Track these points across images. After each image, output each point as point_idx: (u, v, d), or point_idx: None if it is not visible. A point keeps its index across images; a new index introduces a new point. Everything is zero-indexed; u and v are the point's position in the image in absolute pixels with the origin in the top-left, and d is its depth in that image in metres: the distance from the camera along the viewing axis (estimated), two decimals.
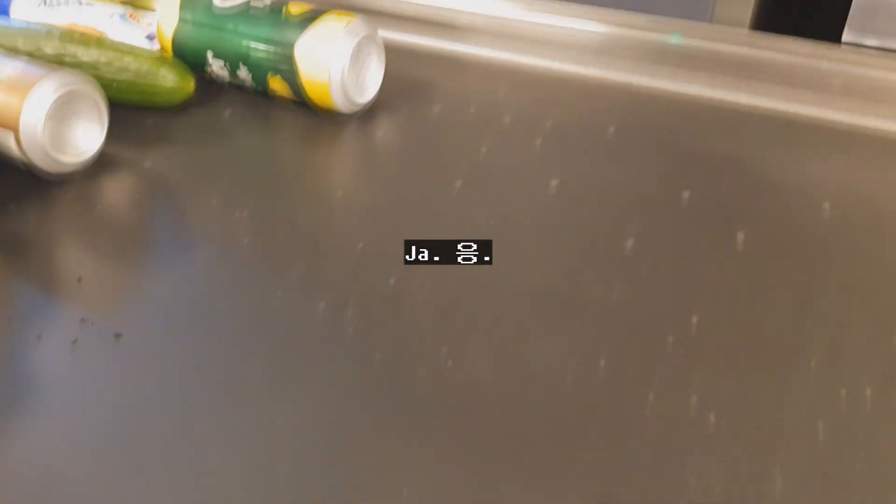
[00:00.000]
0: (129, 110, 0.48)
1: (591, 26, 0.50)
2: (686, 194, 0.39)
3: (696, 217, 0.38)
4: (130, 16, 0.54)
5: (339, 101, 0.45)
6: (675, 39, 0.47)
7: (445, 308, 0.33)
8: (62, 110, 0.41)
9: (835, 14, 0.45)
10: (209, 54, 0.47)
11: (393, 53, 0.49)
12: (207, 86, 0.50)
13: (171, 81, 0.47)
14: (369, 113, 0.47)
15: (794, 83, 0.45)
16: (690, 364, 0.30)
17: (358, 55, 0.44)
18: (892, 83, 0.44)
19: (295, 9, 0.45)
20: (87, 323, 0.34)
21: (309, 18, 0.44)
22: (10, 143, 0.40)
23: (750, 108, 0.46)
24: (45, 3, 0.55)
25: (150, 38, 0.53)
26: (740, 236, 0.36)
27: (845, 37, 0.45)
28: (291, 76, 0.45)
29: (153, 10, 0.56)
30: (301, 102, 0.46)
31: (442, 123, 0.46)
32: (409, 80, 0.50)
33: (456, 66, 0.52)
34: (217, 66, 0.47)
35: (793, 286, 0.34)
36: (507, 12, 0.53)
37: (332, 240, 0.38)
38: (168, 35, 0.48)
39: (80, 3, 0.55)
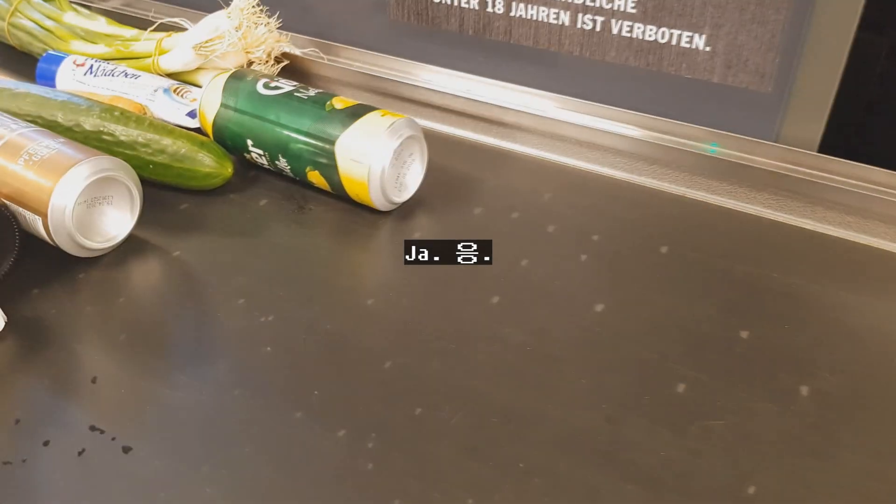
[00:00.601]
0: (165, 191, 0.49)
1: (646, 135, 0.50)
2: (745, 334, 0.38)
3: (754, 362, 0.36)
4: (175, 90, 0.56)
5: (377, 200, 0.45)
6: (712, 150, 0.46)
7: (474, 448, 0.32)
8: (93, 196, 0.42)
9: None
10: (249, 142, 0.48)
11: (439, 145, 0.49)
12: (246, 169, 0.51)
13: (209, 166, 0.47)
14: (409, 209, 0.47)
15: (865, 214, 0.44)
16: None
17: (399, 155, 0.44)
18: None
19: (340, 103, 0.46)
20: (96, 432, 0.34)
21: (353, 114, 0.45)
22: (39, 226, 0.41)
23: (816, 236, 0.44)
24: (90, 72, 0.58)
25: (192, 115, 0.54)
26: (804, 390, 0.35)
27: None
28: (330, 171, 0.45)
29: (199, 86, 0.58)
30: (340, 196, 0.46)
31: (483, 228, 0.46)
32: (453, 175, 0.50)
33: (502, 164, 0.52)
34: (256, 154, 0.48)
35: (863, 459, 0.32)
36: (559, 114, 0.53)
37: (358, 356, 0.37)
38: (210, 118, 0.49)
39: (126, 75, 0.57)
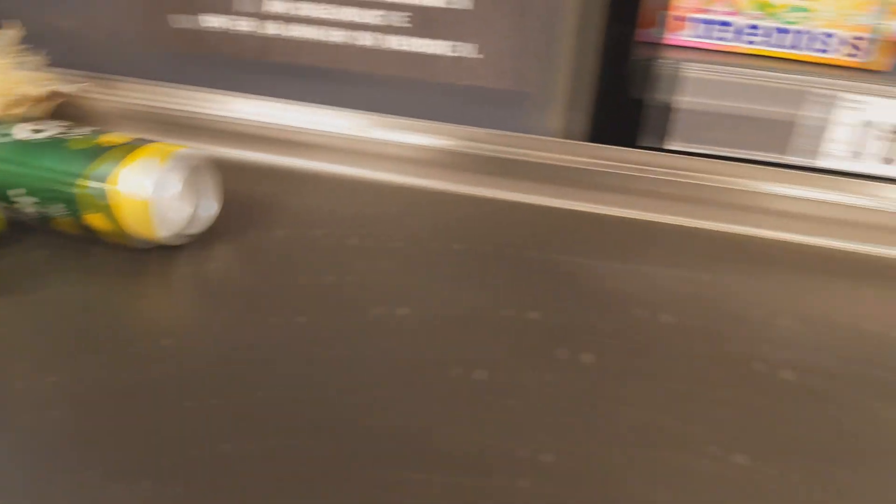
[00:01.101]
0: None
1: (434, 141, 0.53)
2: (534, 315, 0.41)
3: (544, 339, 0.39)
4: None
5: (164, 235, 0.43)
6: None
7: (287, 478, 0.32)
8: None
9: (658, 124, 0.50)
10: (17, 192, 0.44)
11: (234, 172, 0.48)
12: (18, 223, 0.47)
13: None
14: (205, 241, 0.46)
15: (631, 191, 0.49)
16: None
17: (184, 186, 0.43)
18: (716, 186, 0.49)
19: (115, 139, 0.44)
20: None
21: (130, 150, 0.43)
22: None
23: (593, 217, 0.49)
24: None
25: None
26: (587, 357, 0.38)
27: (670, 144, 0.50)
28: (111, 212, 0.43)
29: None
30: (124, 238, 0.44)
31: (285, 249, 0.46)
32: (251, 200, 0.50)
33: (301, 184, 0.53)
34: (26, 204, 0.45)
35: (642, 412, 0.35)
36: (351, 129, 0.54)
37: (155, 401, 0.36)
38: None
39: None
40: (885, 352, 0.40)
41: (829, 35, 0.52)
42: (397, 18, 0.51)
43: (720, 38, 0.54)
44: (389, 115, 0.53)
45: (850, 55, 0.53)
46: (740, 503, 0.31)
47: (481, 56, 0.51)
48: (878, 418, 0.36)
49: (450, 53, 0.51)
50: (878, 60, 0.52)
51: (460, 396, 0.36)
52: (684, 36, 0.54)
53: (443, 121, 0.52)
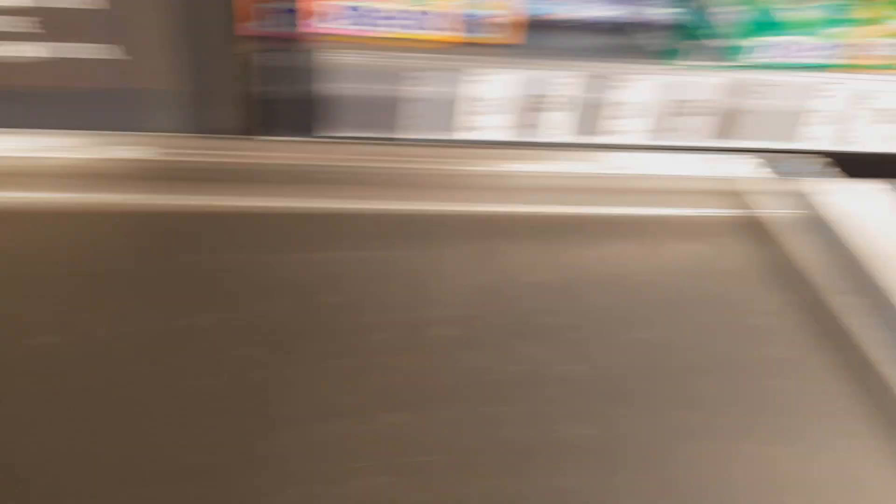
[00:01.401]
0: None
1: (79, 153, 0.51)
2: (204, 317, 0.42)
3: (212, 343, 0.41)
4: None
5: None
6: None
7: None
8: None
9: (317, 113, 0.53)
10: None
11: None
12: None
13: None
14: None
15: (292, 181, 0.52)
16: None
17: None
18: (369, 169, 0.54)
19: None
20: None
21: None
22: None
23: (256, 213, 0.50)
24: None
25: None
26: (257, 353, 0.40)
27: (327, 132, 0.53)
28: None
29: None
30: None
31: None
32: None
33: None
34: None
35: (294, 391, 0.39)
36: None
37: None
38: None
39: None
40: (537, 298, 0.46)
41: (458, 15, 0.58)
42: (25, 24, 0.48)
43: (363, 25, 0.57)
44: (30, 129, 0.50)
45: (489, 33, 0.59)
46: (392, 457, 0.36)
47: (129, 57, 0.50)
48: (522, 356, 0.41)
49: (93, 56, 0.49)
50: (511, 36, 0.60)
51: (105, 416, 0.36)
52: (326, 25, 0.57)
53: (90, 129, 0.50)
